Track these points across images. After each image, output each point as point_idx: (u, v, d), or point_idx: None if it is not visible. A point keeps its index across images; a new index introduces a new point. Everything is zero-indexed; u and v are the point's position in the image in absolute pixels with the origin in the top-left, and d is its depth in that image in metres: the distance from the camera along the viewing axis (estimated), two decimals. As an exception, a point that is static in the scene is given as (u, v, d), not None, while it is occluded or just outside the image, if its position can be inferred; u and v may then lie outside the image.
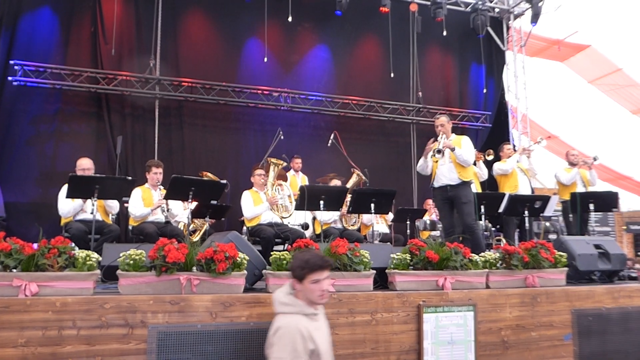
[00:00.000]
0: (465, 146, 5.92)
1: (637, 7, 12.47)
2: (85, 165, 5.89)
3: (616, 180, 14.32)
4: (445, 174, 5.91)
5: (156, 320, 3.14)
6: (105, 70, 8.91)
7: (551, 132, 13.70)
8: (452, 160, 5.91)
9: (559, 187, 7.78)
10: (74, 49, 8.92)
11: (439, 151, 5.80)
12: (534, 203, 6.44)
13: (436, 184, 6.00)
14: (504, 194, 6.74)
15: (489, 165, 7.85)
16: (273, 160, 6.66)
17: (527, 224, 6.59)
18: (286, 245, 6.20)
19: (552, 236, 8.55)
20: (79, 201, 5.54)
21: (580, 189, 7.50)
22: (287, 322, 2.81)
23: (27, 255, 3.16)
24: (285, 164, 7.00)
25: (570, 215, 7.42)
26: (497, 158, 7.78)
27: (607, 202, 7.01)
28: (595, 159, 7.59)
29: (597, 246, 5.10)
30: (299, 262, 2.84)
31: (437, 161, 5.94)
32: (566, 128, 13.89)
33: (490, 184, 8.00)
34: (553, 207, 6.94)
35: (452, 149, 5.83)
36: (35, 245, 3.26)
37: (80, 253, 3.31)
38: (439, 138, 5.92)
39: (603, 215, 12.06)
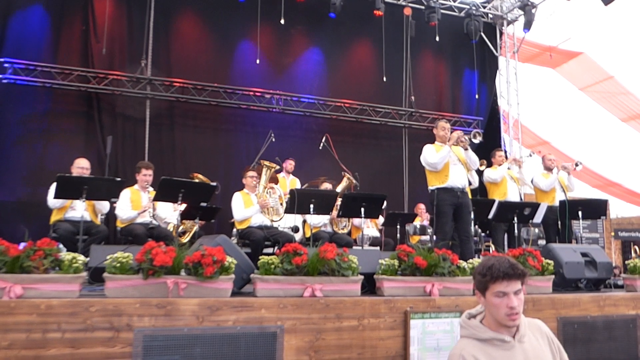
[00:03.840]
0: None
1: (630, 15, 12.56)
2: (84, 165, 5.93)
3: (605, 187, 14.46)
4: (462, 176, 5.92)
5: (142, 324, 3.12)
6: (96, 70, 8.83)
7: (542, 138, 13.82)
8: (462, 162, 5.97)
9: (536, 193, 7.55)
10: (64, 48, 8.84)
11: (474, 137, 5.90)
12: (523, 210, 6.48)
13: (449, 185, 5.81)
14: (494, 201, 6.78)
15: (479, 171, 7.88)
16: (266, 163, 6.65)
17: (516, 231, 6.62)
18: (275, 248, 6.20)
19: (542, 242, 8.58)
20: None
21: (559, 194, 7.31)
22: (455, 347, 2.36)
23: (12, 257, 3.13)
24: (278, 167, 6.99)
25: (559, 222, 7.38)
26: (489, 164, 7.81)
27: (595, 209, 7.01)
28: (577, 165, 7.33)
29: (584, 254, 5.14)
30: (480, 267, 2.24)
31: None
32: (557, 134, 14.00)
33: (480, 190, 8.05)
34: (542, 214, 6.95)
35: (466, 149, 5.88)
36: (21, 246, 3.24)
37: (66, 255, 3.29)
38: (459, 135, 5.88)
39: (592, 221, 12.15)
